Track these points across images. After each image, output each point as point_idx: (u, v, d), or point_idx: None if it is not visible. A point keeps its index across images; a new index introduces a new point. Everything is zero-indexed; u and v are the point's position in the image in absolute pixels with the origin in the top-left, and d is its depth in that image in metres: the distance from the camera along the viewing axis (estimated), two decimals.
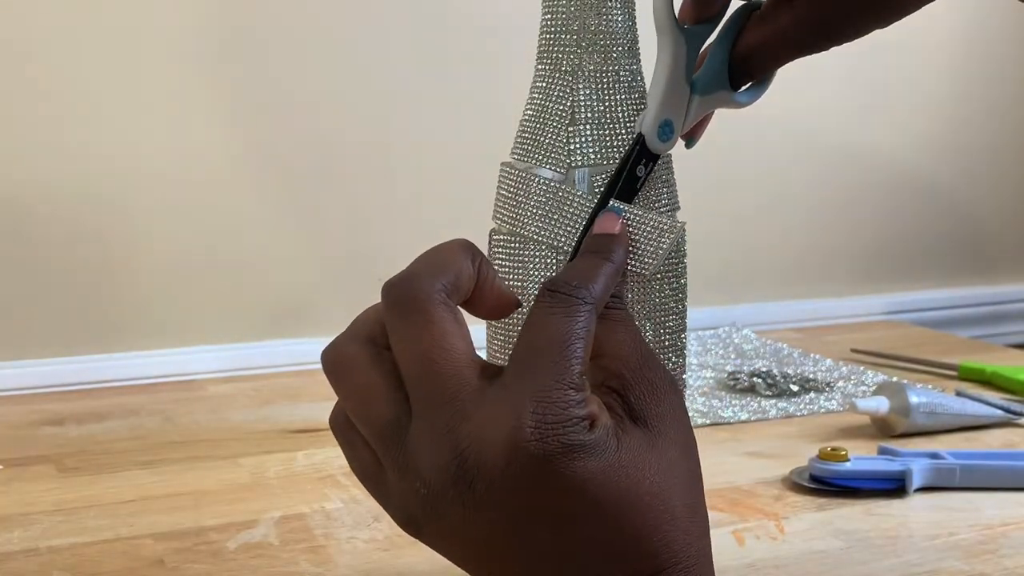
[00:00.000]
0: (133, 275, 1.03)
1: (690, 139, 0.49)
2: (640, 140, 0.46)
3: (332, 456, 0.79)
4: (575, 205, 0.46)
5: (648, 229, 0.45)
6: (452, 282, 0.40)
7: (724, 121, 1.30)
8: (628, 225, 0.45)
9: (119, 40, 1.01)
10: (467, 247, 0.42)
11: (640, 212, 0.45)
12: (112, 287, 1.02)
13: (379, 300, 0.40)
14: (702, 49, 0.47)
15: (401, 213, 1.10)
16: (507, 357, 0.46)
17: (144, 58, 1.01)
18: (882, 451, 0.75)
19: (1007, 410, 0.86)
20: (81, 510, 0.69)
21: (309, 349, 1.04)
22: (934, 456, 0.73)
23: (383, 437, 0.40)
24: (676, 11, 0.47)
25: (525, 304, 0.46)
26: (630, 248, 0.45)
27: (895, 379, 0.96)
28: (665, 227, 0.45)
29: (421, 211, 1.12)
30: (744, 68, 0.46)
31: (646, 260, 0.45)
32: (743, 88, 0.48)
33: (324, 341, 0.42)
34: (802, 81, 1.27)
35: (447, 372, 0.38)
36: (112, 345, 1.03)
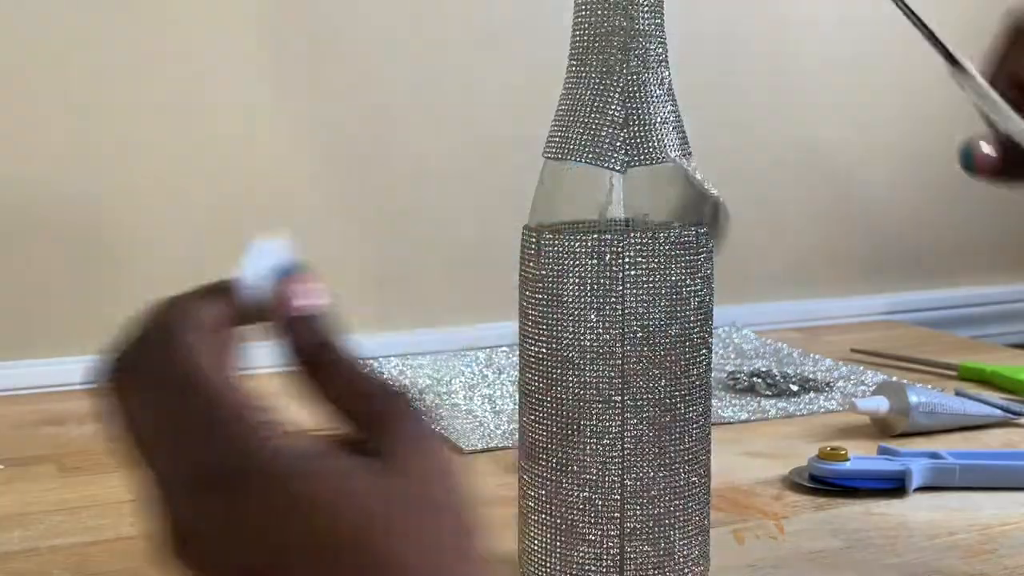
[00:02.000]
0: (134, 275, 1.03)
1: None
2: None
3: None
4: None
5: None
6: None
7: (724, 121, 1.29)
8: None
9: (119, 39, 1.01)
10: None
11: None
12: (113, 287, 1.02)
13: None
14: None
15: (403, 220, 1.10)
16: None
17: (145, 57, 1.01)
18: (882, 451, 0.75)
19: (1007, 410, 0.86)
20: (82, 510, 0.69)
21: None
22: (934, 456, 0.73)
23: None
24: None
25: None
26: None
27: (895, 379, 0.95)
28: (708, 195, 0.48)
29: (419, 219, 1.11)
30: None
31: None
32: None
33: None
34: (803, 82, 1.27)
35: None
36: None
